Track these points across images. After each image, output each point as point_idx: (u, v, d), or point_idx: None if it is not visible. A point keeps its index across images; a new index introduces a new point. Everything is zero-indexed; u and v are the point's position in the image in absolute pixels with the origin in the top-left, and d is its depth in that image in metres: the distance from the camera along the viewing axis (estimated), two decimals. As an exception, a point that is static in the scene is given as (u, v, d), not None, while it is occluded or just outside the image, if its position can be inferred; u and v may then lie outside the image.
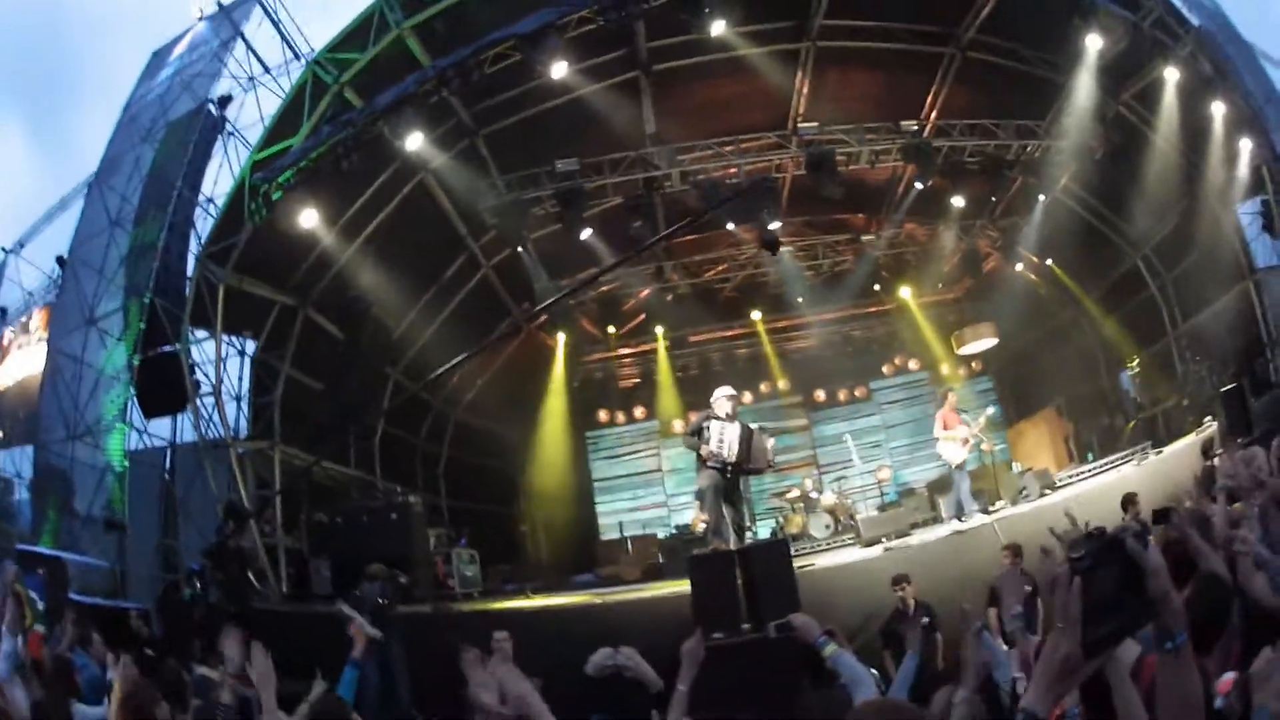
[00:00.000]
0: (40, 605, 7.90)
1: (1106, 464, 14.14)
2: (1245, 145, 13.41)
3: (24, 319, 18.47)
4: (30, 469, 17.19)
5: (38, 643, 7.08)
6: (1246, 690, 2.58)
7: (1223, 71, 13.20)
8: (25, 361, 17.93)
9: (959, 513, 12.44)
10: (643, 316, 20.50)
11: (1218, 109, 13.29)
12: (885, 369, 21.74)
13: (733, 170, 15.62)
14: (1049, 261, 18.35)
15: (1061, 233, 17.00)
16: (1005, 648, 5.22)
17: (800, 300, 19.92)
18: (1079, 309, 19.09)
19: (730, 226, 16.27)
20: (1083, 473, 14.62)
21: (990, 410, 14.12)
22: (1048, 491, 13.07)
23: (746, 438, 10.56)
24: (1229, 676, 2.69)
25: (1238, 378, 12.69)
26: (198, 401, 13.38)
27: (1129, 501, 9.86)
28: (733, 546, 10.32)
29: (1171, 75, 13.15)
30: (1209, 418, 13.29)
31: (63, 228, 18.68)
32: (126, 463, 14.71)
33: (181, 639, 9.85)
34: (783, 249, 14.34)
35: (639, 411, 21.65)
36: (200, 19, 16.80)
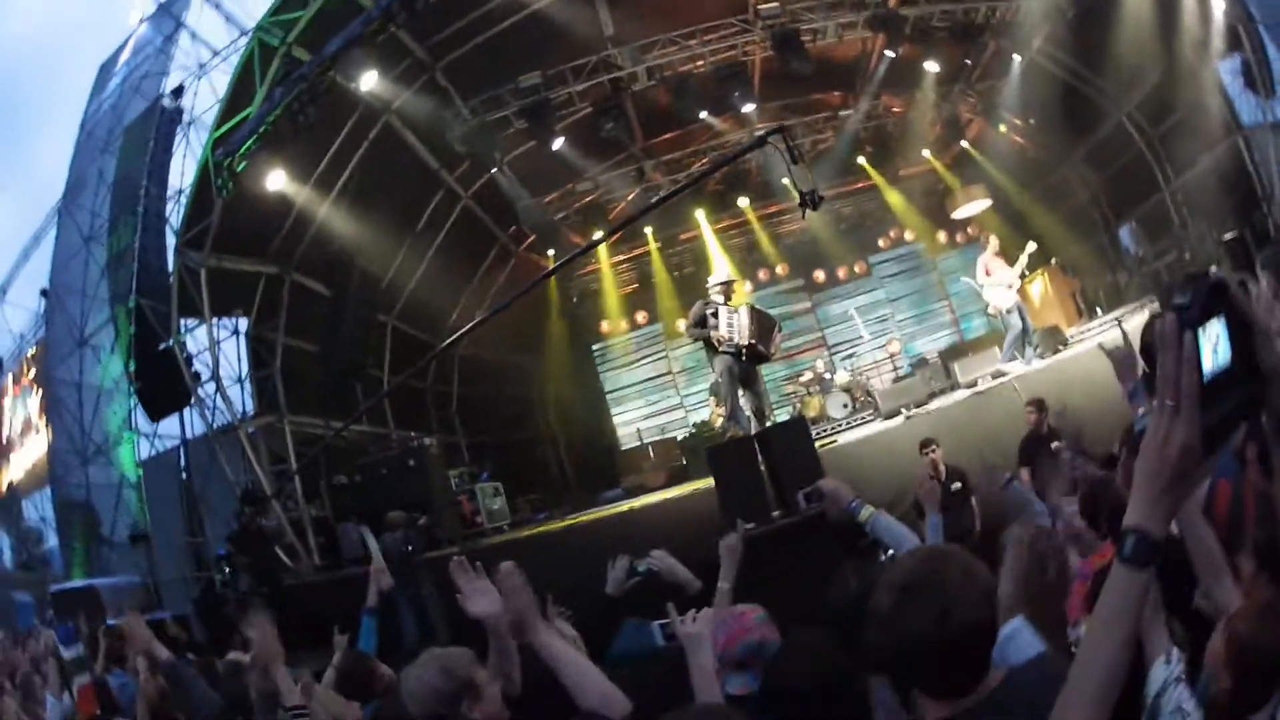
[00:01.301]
0: (79, 651, 7.79)
1: (1118, 315, 14.00)
2: (1217, 3, 13.03)
3: (24, 426, 18.33)
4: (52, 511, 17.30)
5: (88, 697, 6.89)
6: None
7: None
8: (31, 451, 17.97)
9: (1019, 354, 12.33)
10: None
11: None
12: (881, 243, 21.49)
13: (699, 61, 15.27)
14: (1031, 122, 17.98)
15: (1041, 94, 16.62)
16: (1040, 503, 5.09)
17: (785, 183, 19.57)
18: (1069, 168, 18.78)
19: (703, 116, 15.95)
20: (1094, 328, 14.51)
21: (1031, 246, 13.69)
22: (1061, 348, 12.97)
23: (756, 320, 10.39)
24: None
25: (1238, 230, 12.46)
26: (200, 392, 13.30)
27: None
28: (751, 432, 10.20)
29: None
30: (1215, 266, 13.09)
31: (42, 264, 18.59)
32: (140, 471, 14.67)
33: (223, 636, 9.87)
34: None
35: (640, 316, 21.43)
36: (141, 21, 16.49)
